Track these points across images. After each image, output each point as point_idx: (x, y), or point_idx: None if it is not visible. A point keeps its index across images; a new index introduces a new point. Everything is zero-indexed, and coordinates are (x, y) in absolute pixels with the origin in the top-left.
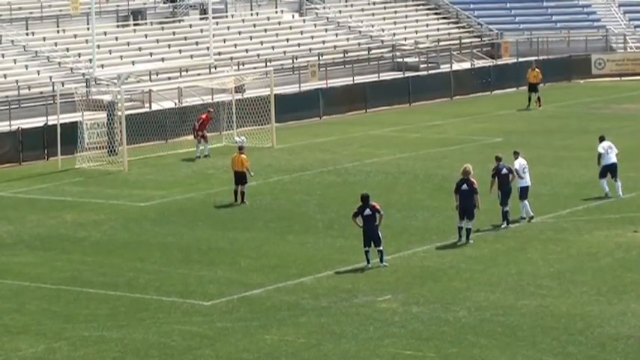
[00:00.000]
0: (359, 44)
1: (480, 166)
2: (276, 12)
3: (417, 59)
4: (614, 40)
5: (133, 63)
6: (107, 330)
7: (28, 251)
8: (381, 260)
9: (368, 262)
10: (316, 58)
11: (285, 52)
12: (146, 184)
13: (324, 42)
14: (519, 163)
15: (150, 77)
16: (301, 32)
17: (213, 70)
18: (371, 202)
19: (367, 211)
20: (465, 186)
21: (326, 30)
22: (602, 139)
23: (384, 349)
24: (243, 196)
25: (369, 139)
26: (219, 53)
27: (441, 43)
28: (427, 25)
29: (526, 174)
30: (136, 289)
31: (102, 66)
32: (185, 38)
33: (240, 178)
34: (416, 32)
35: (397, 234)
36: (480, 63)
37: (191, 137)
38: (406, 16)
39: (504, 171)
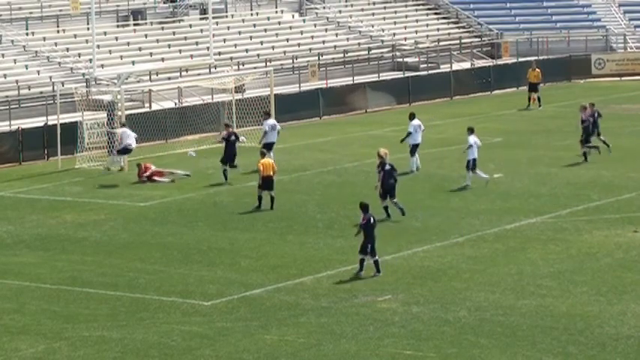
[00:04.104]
0: (359, 44)
1: (480, 167)
2: (276, 12)
3: (417, 59)
4: (614, 40)
5: (133, 63)
6: (107, 330)
7: (28, 251)
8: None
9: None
10: (316, 58)
11: (285, 52)
12: (146, 184)
13: (324, 42)
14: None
15: (150, 77)
16: (301, 32)
17: (213, 70)
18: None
19: (372, 220)
20: (388, 166)
21: (326, 30)
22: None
23: (384, 349)
24: (273, 201)
25: (369, 139)
26: (219, 53)
27: (441, 43)
28: (427, 25)
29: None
30: (136, 289)
31: (102, 66)
32: (185, 38)
33: (269, 183)
34: (416, 32)
35: (397, 234)
36: (480, 63)
37: (191, 137)
38: (406, 16)
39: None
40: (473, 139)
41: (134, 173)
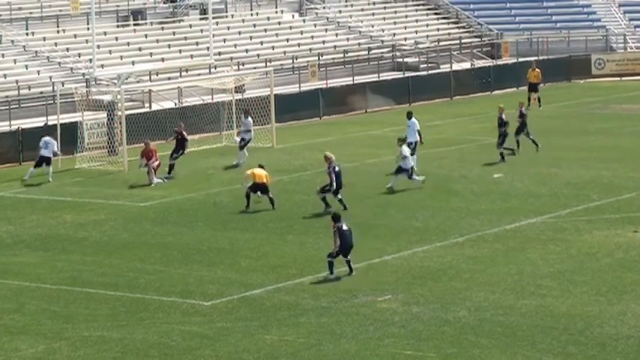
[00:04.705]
0: (359, 44)
1: (479, 167)
2: (276, 12)
3: (417, 59)
4: (614, 40)
5: (133, 63)
6: (107, 330)
7: (28, 251)
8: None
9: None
10: (316, 58)
11: (285, 52)
12: (146, 184)
13: (324, 42)
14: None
15: (150, 77)
16: (301, 32)
17: (213, 70)
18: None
19: (344, 226)
20: (337, 168)
21: (326, 30)
22: None
23: (384, 349)
24: (274, 202)
25: (369, 139)
26: (219, 53)
27: (441, 43)
28: (427, 25)
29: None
30: (136, 289)
31: (102, 66)
32: (185, 38)
33: (262, 189)
34: (416, 32)
35: (397, 234)
36: (480, 63)
37: (191, 137)
38: (406, 16)
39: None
40: (407, 149)
41: (134, 173)
